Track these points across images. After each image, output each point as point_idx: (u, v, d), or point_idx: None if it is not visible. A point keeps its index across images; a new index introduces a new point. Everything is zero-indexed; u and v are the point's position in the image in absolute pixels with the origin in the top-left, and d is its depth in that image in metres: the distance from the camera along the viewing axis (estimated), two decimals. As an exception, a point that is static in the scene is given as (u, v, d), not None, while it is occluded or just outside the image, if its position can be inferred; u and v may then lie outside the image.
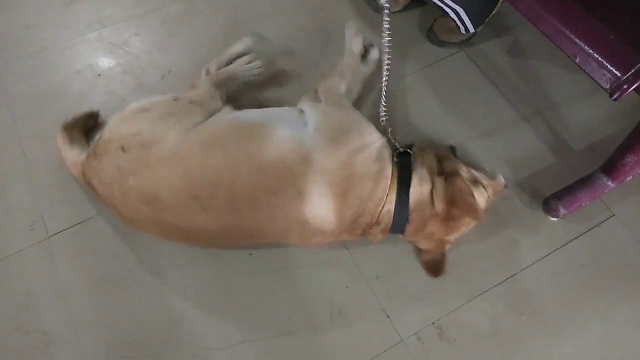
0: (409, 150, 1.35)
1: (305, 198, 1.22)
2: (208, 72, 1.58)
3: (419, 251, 1.41)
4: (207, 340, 1.32)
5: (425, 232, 1.31)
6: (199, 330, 1.34)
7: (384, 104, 1.41)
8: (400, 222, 1.28)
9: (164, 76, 1.74)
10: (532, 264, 1.44)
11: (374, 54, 1.63)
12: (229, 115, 1.39)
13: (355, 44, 1.58)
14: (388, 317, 1.36)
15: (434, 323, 1.36)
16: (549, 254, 1.46)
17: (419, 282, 1.40)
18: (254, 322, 1.35)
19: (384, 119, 1.42)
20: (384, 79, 1.37)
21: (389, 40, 1.31)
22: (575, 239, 1.48)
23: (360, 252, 1.44)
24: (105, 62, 1.78)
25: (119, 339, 1.32)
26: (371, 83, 1.69)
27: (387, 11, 1.27)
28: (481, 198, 1.31)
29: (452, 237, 1.35)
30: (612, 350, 1.33)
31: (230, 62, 1.63)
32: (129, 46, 1.82)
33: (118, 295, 1.38)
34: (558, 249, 1.46)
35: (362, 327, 1.35)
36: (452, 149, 1.49)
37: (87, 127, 1.55)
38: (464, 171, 1.33)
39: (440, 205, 1.27)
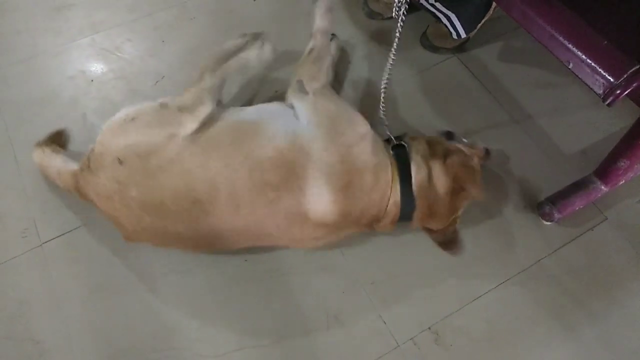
0: (402, 142, 1.38)
1: (305, 190, 1.23)
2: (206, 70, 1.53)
3: (430, 233, 1.43)
4: (202, 347, 1.31)
5: (432, 214, 1.34)
6: (193, 337, 1.33)
7: (383, 103, 1.42)
8: (407, 211, 1.32)
9: (157, 82, 1.73)
10: (527, 268, 1.44)
11: (334, 42, 1.73)
12: (221, 116, 1.36)
13: (325, 20, 1.54)
14: (384, 322, 1.36)
15: (429, 328, 1.36)
16: (543, 258, 1.46)
17: (415, 287, 1.41)
18: (249, 329, 1.35)
19: (383, 114, 1.43)
20: (384, 80, 1.37)
21: (396, 45, 1.31)
22: (568, 242, 1.49)
23: (356, 257, 1.44)
24: (98, 68, 1.77)
25: (112, 347, 1.31)
26: (357, 79, 1.70)
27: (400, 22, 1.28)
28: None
29: (458, 212, 1.38)
30: (607, 352, 1.34)
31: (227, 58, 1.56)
32: (122, 51, 1.81)
33: (111, 303, 1.37)
34: (552, 252, 1.47)
35: (358, 332, 1.35)
36: (449, 134, 1.52)
37: (57, 144, 1.52)
38: (454, 149, 1.39)
39: (441, 188, 1.32)
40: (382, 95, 1.39)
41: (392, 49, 1.31)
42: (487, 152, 1.48)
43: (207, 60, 1.50)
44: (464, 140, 1.50)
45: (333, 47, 1.72)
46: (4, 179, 1.53)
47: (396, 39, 1.29)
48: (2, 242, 1.43)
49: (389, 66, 1.34)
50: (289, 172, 1.23)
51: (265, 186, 1.23)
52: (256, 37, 1.47)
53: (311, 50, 1.51)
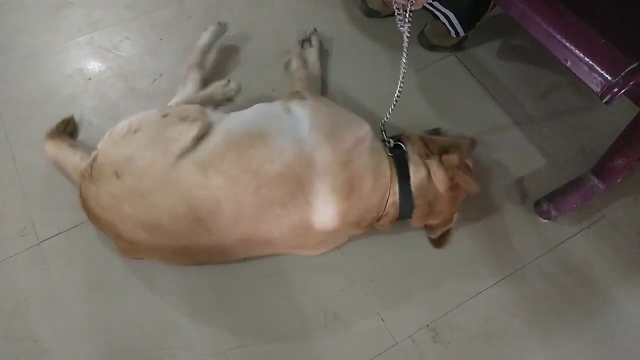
0: (399, 143, 1.38)
1: (312, 203, 1.24)
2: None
3: (426, 227, 1.44)
4: (201, 346, 1.31)
5: (431, 212, 1.35)
6: (193, 336, 1.33)
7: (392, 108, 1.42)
8: (406, 210, 1.33)
9: (154, 80, 1.73)
10: (524, 266, 1.45)
11: (315, 36, 1.78)
12: (220, 126, 1.32)
13: (304, 70, 1.67)
14: (382, 320, 1.36)
15: (428, 325, 1.36)
16: (540, 256, 1.47)
17: (413, 286, 1.41)
18: (249, 327, 1.35)
19: (385, 120, 1.43)
20: (398, 89, 1.39)
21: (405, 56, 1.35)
22: (566, 240, 1.50)
23: (355, 256, 1.44)
24: (96, 66, 1.77)
25: (112, 346, 1.31)
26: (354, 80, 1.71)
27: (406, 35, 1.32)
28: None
29: (455, 207, 1.40)
30: (604, 350, 1.35)
31: (205, 52, 1.66)
32: (120, 50, 1.81)
33: (110, 301, 1.37)
34: (549, 250, 1.48)
35: (357, 331, 1.35)
36: (436, 131, 1.55)
37: (68, 133, 1.54)
38: (448, 145, 1.40)
39: (440, 185, 1.32)
40: (393, 105, 1.40)
41: (402, 66, 1.36)
42: (474, 142, 1.51)
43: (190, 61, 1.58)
44: (450, 134, 1.53)
45: (314, 40, 1.76)
46: (1, 177, 1.53)
47: (404, 56, 1.34)
48: (0, 241, 1.43)
49: (401, 78, 1.37)
50: (296, 187, 1.23)
51: (272, 202, 1.23)
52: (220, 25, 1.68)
53: (299, 72, 1.63)
